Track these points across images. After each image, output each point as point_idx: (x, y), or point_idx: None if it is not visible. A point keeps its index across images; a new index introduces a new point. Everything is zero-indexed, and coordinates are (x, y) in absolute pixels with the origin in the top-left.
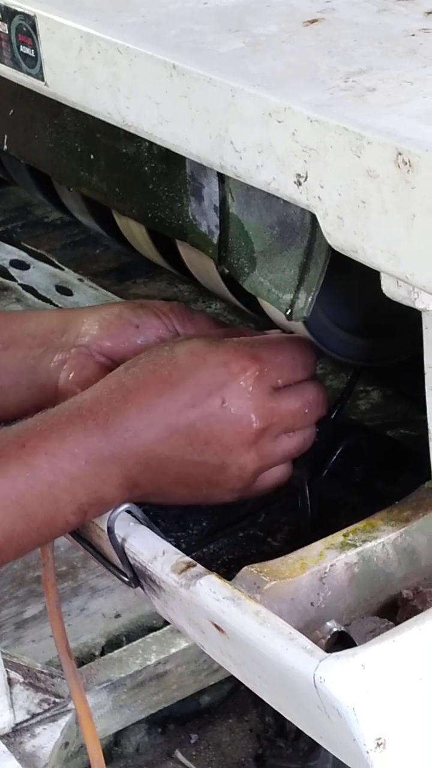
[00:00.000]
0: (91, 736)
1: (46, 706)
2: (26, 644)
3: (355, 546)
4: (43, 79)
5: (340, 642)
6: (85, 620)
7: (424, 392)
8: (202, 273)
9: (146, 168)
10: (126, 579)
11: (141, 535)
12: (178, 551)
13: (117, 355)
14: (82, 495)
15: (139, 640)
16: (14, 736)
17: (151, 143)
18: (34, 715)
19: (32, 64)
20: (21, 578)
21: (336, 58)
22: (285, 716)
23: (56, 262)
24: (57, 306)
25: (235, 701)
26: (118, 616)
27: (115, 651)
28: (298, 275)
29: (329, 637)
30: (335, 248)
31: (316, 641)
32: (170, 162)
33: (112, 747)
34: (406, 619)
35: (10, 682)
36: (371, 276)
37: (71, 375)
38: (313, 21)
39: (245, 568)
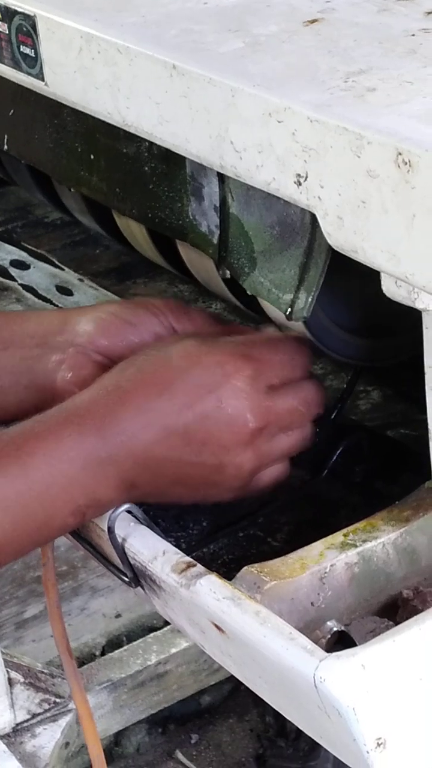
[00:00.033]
0: (92, 736)
1: (46, 706)
2: (27, 644)
3: (356, 546)
4: (43, 79)
5: (341, 642)
6: (86, 620)
7: (425, 392)
8: (202, 273)
9: (146, 168)
10: (126, 579)
11: (141, 535)
12: (179, 551)
13: (114, 353)
14: (79, 496)
15: (140, 640)
16: (15, 736)
17: (151, 143)
18: (34, 715)
19: (32, 64)
20: (21, 578)
21: (336, 58)
22: (285, 716)
23: (56, 262)
24: (57, 306)
25: (235, 701)
26: (118, 616)
27: (116, 651)
28: (298, 275)
29: (329, 636)
30: (335, 248)
31: (316, 641)
32: (170, 162)
33: (113, 747)
34: (407, 619)
35: (11, 682)
36: (371, 276)
37: (69, 375)
38: (313, 21)
39: (245, 568)
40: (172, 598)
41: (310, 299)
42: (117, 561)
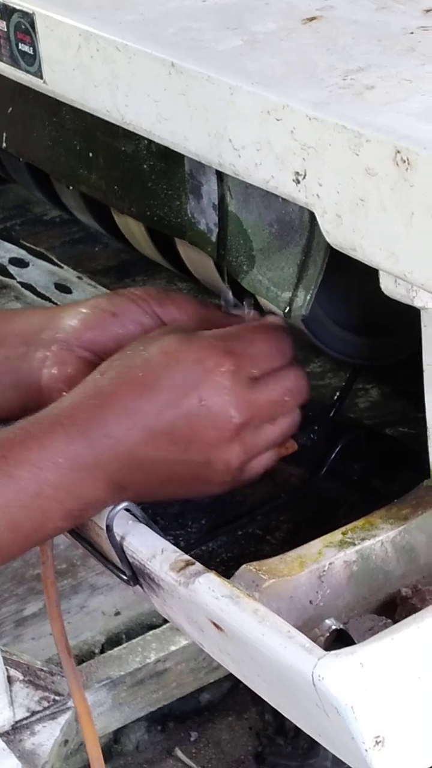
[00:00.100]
0: (91, 734)
1: (45, 704)
2: (26, 642)
3: (354, 544)
4: (41, 77)
5: (339, 640)
6: (85, 618)
7: (423, 390)
8: (200, 271)
9: (145, 166)
10: (125, 577)
11: (140, 533)
12: (177, 549)
13: (97, 346)
14: (68, 501)
15: (139, 637)
16: (14, 733)
17: (150, 141)
18: (33, 713)
19: (31, 61)
20: (21, 576)
21: (335, 55)
22: (284, 714)
23: (55, 260)
24: (56, 304)
25: (234, 699)
26: (117, 613)
27: (115, 649)
28: (296, 273)
29: (328, 635)
30: (334, 246)
31: (314, 639)
32: (169, 160)
33: (112, 745)
34: (405, 617)
35: (10, 680)
36: (370, 274)
37: (53, 371)
38: (312, 19)
39: (244, 566)
40: (170, 597)
41: (308, 297)
42: (116, 559)
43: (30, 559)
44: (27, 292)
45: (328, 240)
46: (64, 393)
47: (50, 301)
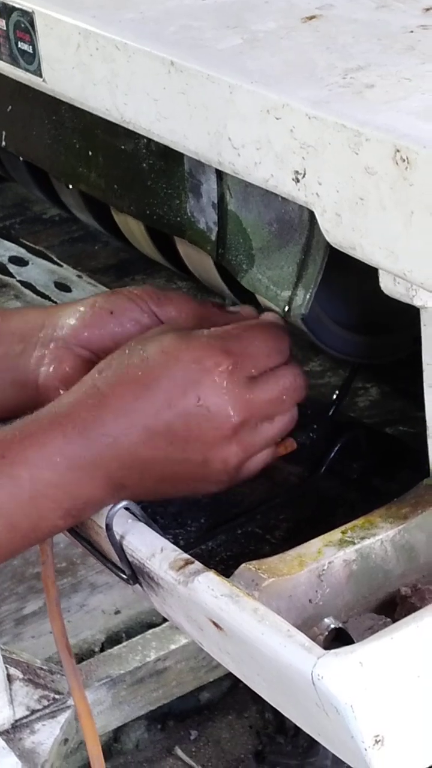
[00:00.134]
0: (91, 733)
1: (45, 703)
2: (26, 640)
3: (354, 543)
4: (41, 76)
5: (338, 639)
6: (85, 617)
7: (423, 389)
8: (200, 270)
9: (144, 165)
10: (124, 576)
11: (139, 532)
12: (176, 548)
13: (95, 344)
14: (66, 501)
15: (139, 636)
16: (14, 732)
17: (150, 140)
18: (33, 712)
19: (30, 60)
20: (21, 574)
21: (334, 54)
22: (283, 713)
23: (55, 259)
24: (55, 303)
25: (234, 698)
26: (117, 612)
27: (115, 647)
28: (296, 272)
29: (327, 634)
30: (333, 245)
31: (314, 638)
32: (168, 159)
33: (112, 743)
34: (404, 616)
35: (10, 679)
36: (369, 273)
37: (51, 369)
38: (312, 17)
39: (243, 565)
40: (170, 595)
41: (308, 296)
42: (115, 558)
43: (30, 557)
44: (26, 291)
45: (328, 239)
46: (61, 391)
47: (50, 299)
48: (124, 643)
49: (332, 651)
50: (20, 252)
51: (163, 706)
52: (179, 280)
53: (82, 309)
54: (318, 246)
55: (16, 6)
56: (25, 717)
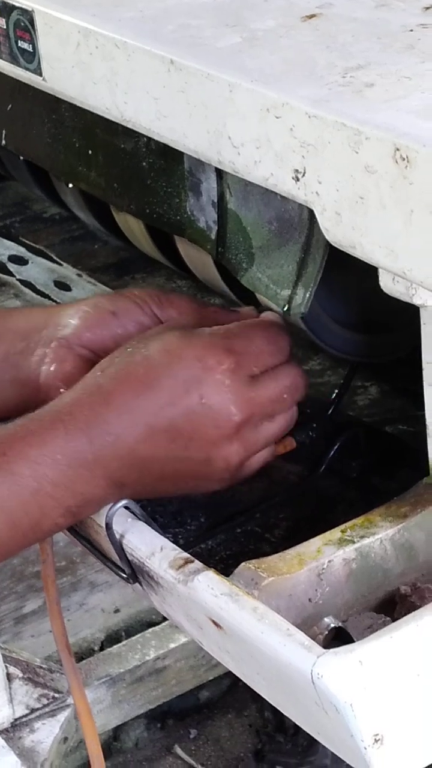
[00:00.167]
0: (90, 732)
1: (45, 701)
2: (25, 639)
3: (353, 542)
4: (41, 74)
5: (338, 638)
6: (85, 615)
7: (422, 388)
8: (200, 268)
9: (144, 163)
10: (124, 575)
11: (139, 531)
12: (176, 547)
13: (96, 345)
14: (67, 499)
15: (138, 635)
16: (13, 731)
17: (149, 138)
18: (33, 710)
19: (30, 59)
20: (20, 573)
21: (334, 53)
22: (283, 712)
23: (55, 258)
24: (56, 301)
25: (234, 696)
26: (117, 611)
27: (114, 646)
28: (296, 271)
29: (327, 633)
30: (333, 244)
31: (313, 637)
32: (168, 157)
33: (112, 742)
34: (404, 615)
35: (10, 677)
36: (369, 272)
37: (52, 368)
38: (311, 16)
39: (243, 564)
40: (169, 594)
41: (307, 295)
42: (115, 557)
43: (29, 556)
44: (26, 290)
45: (328, 238)
46: (62, 390)
47: (49, 298)
48: (124, 642)
49: (332, 650)
50: (20, 251)
51: (162, 705)
52: (179, 279)
53: (84, 309)
54: (318, 245)
55: (16, 5)
56: (25, 716)
